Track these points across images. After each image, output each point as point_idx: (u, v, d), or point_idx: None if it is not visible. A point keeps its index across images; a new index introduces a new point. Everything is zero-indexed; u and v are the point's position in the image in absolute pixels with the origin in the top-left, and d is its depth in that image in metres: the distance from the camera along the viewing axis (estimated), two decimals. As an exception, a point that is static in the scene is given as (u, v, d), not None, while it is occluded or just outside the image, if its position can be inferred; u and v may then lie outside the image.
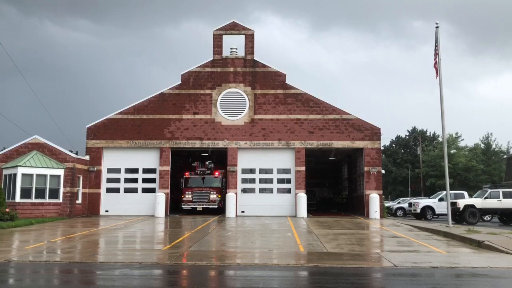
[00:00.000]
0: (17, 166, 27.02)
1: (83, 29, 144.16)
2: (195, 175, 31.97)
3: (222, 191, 31.64)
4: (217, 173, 32.12)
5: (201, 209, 30.91)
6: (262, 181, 31.31)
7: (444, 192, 28.02)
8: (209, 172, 32.12)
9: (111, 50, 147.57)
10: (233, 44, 32.51)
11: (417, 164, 70.57)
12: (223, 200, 30.86)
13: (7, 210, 23.95)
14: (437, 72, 22.77)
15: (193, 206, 31.01)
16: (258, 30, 32.46)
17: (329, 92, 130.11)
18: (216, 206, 30.84)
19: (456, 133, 67.86)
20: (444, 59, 23.40)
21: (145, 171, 31.27)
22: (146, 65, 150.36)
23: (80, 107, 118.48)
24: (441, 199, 32.63)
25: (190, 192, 31.21)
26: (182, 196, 31.32)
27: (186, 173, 32.10)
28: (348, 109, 31.56)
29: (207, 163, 32.24)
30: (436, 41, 22.95)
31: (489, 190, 30.74)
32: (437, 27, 23.01)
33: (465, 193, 33.65)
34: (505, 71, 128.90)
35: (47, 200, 27.74)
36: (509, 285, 10.05)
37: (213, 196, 30.96)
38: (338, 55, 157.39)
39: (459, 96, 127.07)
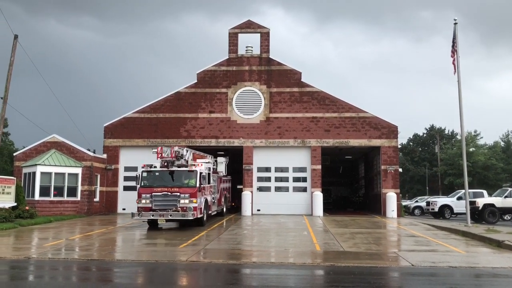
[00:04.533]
0: (36, 164, 27.43)
1: (88, 27, 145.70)
2: (157, 169, 20.77)
3: (205, 194, 21.56)
4: (194, 166, 21.06)
5: (163, 222, 20.45)
6: (277, 179, 31.24)
7: (463, 190, 27.61)
8: (180, 163, 20.99)
9: (119, 47, 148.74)
10: (248, 43, 32.51)
11: (435, 163, 69.74)
12: (207, 208, 21.93)
13: (27, 208, 24.36)
14: (455, 69, 22.44)
15: (152, 217, 19.73)
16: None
17: (338, 88, 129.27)
18: (191, 218, 19.51)
19: (475, 131, 66.88)
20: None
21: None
22: (156, 62, 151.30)
23: (92, 105, 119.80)
24: (459, 198, 32.16)
25: (147, 195, 19.80)
26: (136, 201, 20.12)
27: (144, 165, 21.03)
28: (364, 107, 31.30)
29: (176, 148, 20.94)
30: (454, 38, 22.62)
31: (509, 189, 30.20)
32: (455, 23, 22.69)
33: (485, 192, 33.09)
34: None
35: (65, 198, 28.11)
36: (530, 286, 9.85)
37: (184, 202, 19.55)
38: (344, 49, 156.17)
39: (474, 93, 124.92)
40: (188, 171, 20.62)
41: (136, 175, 20.94)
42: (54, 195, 27.74)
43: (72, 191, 28.43)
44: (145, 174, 20.51)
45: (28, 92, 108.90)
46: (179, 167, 20.76)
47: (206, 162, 23.24)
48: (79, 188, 28.71)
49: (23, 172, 28.29)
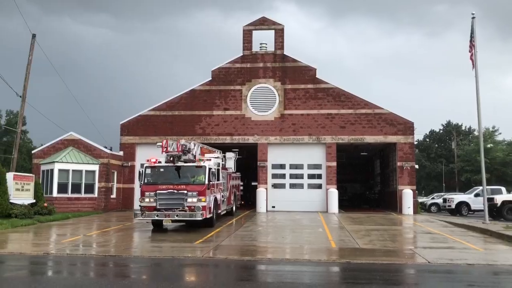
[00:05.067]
0: (54, 162, 27.83)
1: (103, 24, 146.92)
2: (162, 164, 18.98)
3: (214, 191, 19.79)
4: (203, 161, 19.38)
5: (169, 223, 18.99)
6: (292, 176, 31.19)
7: (480, 187, 27.25)
8: (187, 158, 19.14)
9: (134, 45, 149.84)
10: (262, 39, 32.47)
11: (451, 159, 68.95)
12: (216, 207, 20.28)
13: (45, 204, 24.74)
14: (473, 64, 22.14)
15: (156, 218, 18.01)
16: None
17: (352, 84, 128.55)
18: (199, 218, 17.65)
19: (493, 127, 65.95)
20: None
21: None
22: (170, 59, 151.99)
23: (108, 103, 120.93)
24: (477, 195, 31.74)
25: (151, 193, 17.99)
26: (139, 200, 18.51)
27: (148, 160, 19.21)
28: (380, 103, 31.07)
29: (182, 142, 19.00)
30: (472, 32, 22.30)
31: (528, 186, 29.67)
32: (473, 17, 22.36)
33: (503, 189, 32.60)
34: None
35: (82, 195, 28.49)
36: (550, 284, 9.70)
37: (191, 200, 17.77)
38: (358, 44, 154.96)
39: (492, 87, 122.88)
40: (196, 166, 18.72)
41: (139, 172, 19.26)
42: (72, 192, 28.14)
43: (89, 188, 28.81)
44: (148, 171, 18.68)
45: (46, 90, 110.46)
46: (186, 162, 18.83)
47: (216, 157, 21.70)
48: (96, 185, 29.07)
49: (41, 169, 28.74)
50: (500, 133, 66.48)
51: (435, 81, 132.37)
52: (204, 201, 17.88)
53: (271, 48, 32.01)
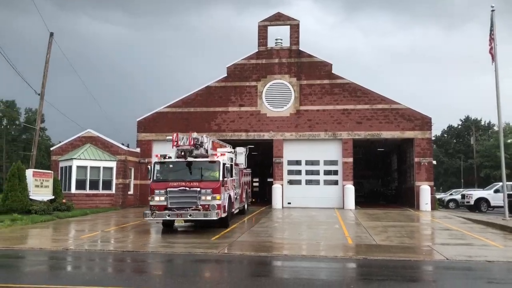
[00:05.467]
0: (72, 158, 28.20)
1: (118, 22, 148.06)
2: (172, 160, 17.64)
3: (228, 189, 18.44)
4: (216, 155, 18.26)
5: (182, 223, 17.81)
6: (308, 172, 31.10)
7: (500, 183, 26.81)
8: (199, 152, 17.80)
9: (149, 42, 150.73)
10: (277, 35, 32.35)
11: (470, 155, 68.00)
12: (230, 205, 18.98)
13: (64, 201, 25.11)
14: (493, 58, 21.77)
15: (168, 218, 16.59)
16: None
17: (368, 79, 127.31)
18: (215, 218, 16.33)
19: (514, 122, 64.70)
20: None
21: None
22: (185, 56, 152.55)
23: (125, 100, 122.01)
24: (496, 191, 31.25)
25: (161, 191, 16.70)
26: (149, 199, 17.15)
27: (157, 156, 18.13)
28: (396, 98, 30.75)
29: (195, 135, 17.66)
30: (492, 26, 21.92)
31: (550, 181, 29.10)
32: (492, 10, 21.97)
33: (524, 185, 32.03)
34: None
35: (100, 191, 28.82)
36: None
37: (205, 199, 16.49)
38: (374, 38, 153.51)
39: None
40: (210, 161, 17.46)
41: (148, 168, 17.93)
42: (90, 189, 28.49)
43: (107, 184, 29.13)
44: (158, 167, 17.39)
45: (64, 88, 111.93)
46: (197, 157, 17.49)
47: (229, 152, 20.56)
48: (114, 181, 29.38)
49: (60, 166, 29.15)
50: (520, 128, 65.27)
51: (453, 75, 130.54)
52: (219, 199, 16.58)
53: (286, 43, 31.90)
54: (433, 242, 15.26)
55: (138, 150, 32.06)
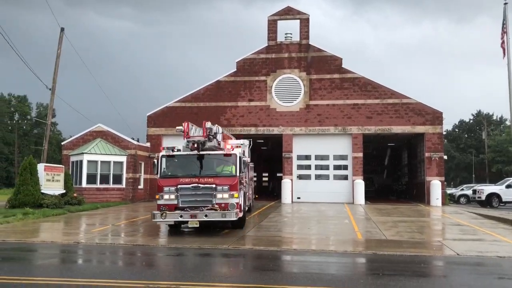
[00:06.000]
0: (82, 153, 28.42)
1: (126, 17, 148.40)
2: (183, 152, 15.65)
3: (243, 185, 16.67)
4: (231, 147, 16.34)
5: (196, 225, 14.66)
6: (318, 167, 31.04)
7: (512, 178, 26.55)
8: (212, 145, 15.54)
9: (158, 37, 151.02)
10: (287, 29, 32.25)
11: (482, 150, 67.39)
12: (246, 204, 18.01)
13: (75, 195, 25.34)
14: (504, 52, 21.52)
15: (181, 219, 14.62)
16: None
17: (377, 74, 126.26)
18: (234, 218, 14.56)
19: (526, 116, 63.94)
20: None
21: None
22: (194, 50, 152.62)
23: (135, 95, 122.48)
24: (508, 186, 30.99)
25: (171, 189, 14.79)
26: (156, 197, 15.12)
27: (163, 148, 16.15)
28: (407, 93, 30.53)
29: (209, 125, 15.28)
30: (504, 19, 21.66)
31: None
32: (505, 3, 21.71)
33: (536, 180, 31.72)
34: None
35: (111, 185, 29.05)
36: None
37: (222, 197, 14.71)
38: (383, 32, 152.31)
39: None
40: (225, 154, 15.59)
41: (153, 162, 15.76)
42: (100, 183, 28.71)
43: (117, 179, 29.34)
44: (165, 160, 15.43)
45: (75, 83, 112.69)
46: (210, 150, 15.52)
47: (241, 144, 19.10)
48: (124, 175, 29.58)
49: (71, 161, 29.39)
50: (533, 123, 64.51)
51: (464, 69, 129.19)
52: (237, 197, 14.81)
53: (296, 38, 31.77)
54: (443, 238, 15.17)
55: (148, 144, 32.23)
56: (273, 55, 31.61)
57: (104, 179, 28.92)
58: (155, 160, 15.67)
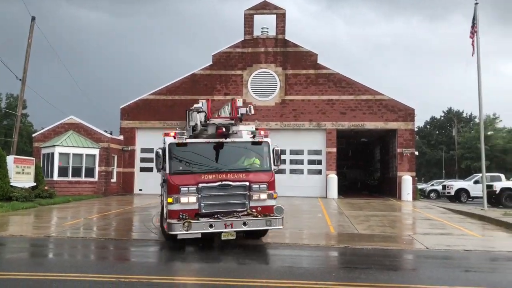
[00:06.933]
0: (54, 145, 27.87)
1: (100, 8, 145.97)
2: (203, 140, 11.73)
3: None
4: (259, 133, 12.50)
5: (232, 237, 11.06)
6: (292, 162, 31.24)
7: (480, 174, 27.30)
8: (237, 130, 12.10)
9: (133, 28, 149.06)
10: (263, 23, 32.24)
11: (452, 146, 69.01)
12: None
13: (46, 188, 24.86)
14: (474, 51, 22.01)
15: (212, 230, 10.76)
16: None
17: (351, 69, 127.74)
18: (281, 226, 11.43)
19: (494, 114, 65.81)
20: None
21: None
22: (169, 43, 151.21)
23: (108, 87, 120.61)
24: (476, 182, 31.85)
25: (191, 188, 11.03)
26: (169, 200, 10.93)
27: (170, 134, 11.82)
28: (380, 89, 30.98)
29: (239, 103, 12.28)
30: (474, 19, 22.14)
31: (528, 173, 29.77)
32: (476, 3, 22.19)
33: (502, 176, 32.69)
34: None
35: (83, 178, 28.60)
36: (546, 270, 9.79)
37: (259, 198, 11.50)
38: (357, 28, 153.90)
39: (493, 74, 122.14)
40: (254, 143, 12.15)
41: (157, 153, 11.58)
42: (72, 176, 28.24)
43: (89, 172, 28.91)
44: (177, 151, 11.41)
45: (47, 74, 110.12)
46: (235, 136, 11.88)
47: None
48: (97, 168, 29.17)
49: (42, 153, 28.80)
50: (500, 120, 66.37)
51: (436, 66, 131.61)
52: (276, 198, 11.81)
53: (272, 32, 31.81)
54: (414, 232, 15.51)
55: (121, 137, 31.82)
56: (250, 49, 31.58)
57: (76, 172, 28.44)
58: (159, 150, 11.55)
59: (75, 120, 30.17)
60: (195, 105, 11.75)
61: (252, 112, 12.39)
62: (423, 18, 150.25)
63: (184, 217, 10.64)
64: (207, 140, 11.63)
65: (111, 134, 31.51)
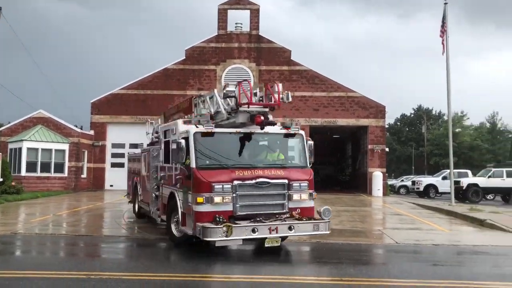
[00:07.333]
0: (22, 140, 27.16)
1: (73, 0, 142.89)
2: (230, 129, 10.10)
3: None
4: (294, 124, 11.38)
5: (277, 244, 9.62)
6: (266, 157, 31.24)
7: (448, 170, 28.01)
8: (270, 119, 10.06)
9: (105, 21, 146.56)
10: (238, 19, 32.19)
11: (421, 143, 70.49)
12: None
13: (13, 183, 24.20)
14: (444, 50, 22.51)
15: (253, 234, 9.03)
16: None
17: (325, 66, 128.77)
18: (328, 231, 10.00)
19: (462, 112, 67.69)
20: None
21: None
22: (143, 37, 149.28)
23: (79, 81, 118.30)
24: (444, 178, 32.65)
25: (226, 186, 9.41)
26: (194, 200, 9.34)
27: (191, 122, 10.56)
28: (352, 86, 31.40)
29: (281, 86, 10.25)
30: (444, 18, 22.62)
31: (493, 169, 30.73)
32: (445, 3, 22.67)
33: (469, 172, 33.64)
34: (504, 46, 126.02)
35: (52, 174, 27.99)
36: (509, 263, 10.13)
37: (300, 198, 10.11)
38: (331, 25, 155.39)
39: (461, 72, 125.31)
40: (288, 135, 10.85)
41: (178, 143, 9.72)
42: (41, 171, 27.60)
43: (59, 167, 28.31)
44: (202, 140, 9.75)
45: (15, 67, 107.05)
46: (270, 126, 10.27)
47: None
48: (66, 164, 28.60)
49: (9, 148, 28.02)
50: (468, 118, 68.35)
51: (407, 64, 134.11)
52: (315, 198, 10.65)
53: (246, 28, 31.76)
54: (384, 227, 15.79)
55: (91, 132, 31.26)
56: (223, 44, 31.46)
57: (45, 167, 27.81)
58: (181, 140, 9.71)
59: (44, 114, 29.46)
60: (227, 89, 10.05)
61: (290, 99, 10.46)
62: (395, 16, 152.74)
63: (221, 220, 9.01)
64: (239, 130, 10.03)
65: (81, 129, 30.95)
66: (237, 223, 9.04)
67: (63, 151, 28.58)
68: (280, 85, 10.29)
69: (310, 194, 10.32)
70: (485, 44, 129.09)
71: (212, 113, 10.36)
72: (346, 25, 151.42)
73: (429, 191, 33.48)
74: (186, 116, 11.78)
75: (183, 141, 9.67)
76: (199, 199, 9.23)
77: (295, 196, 9.96)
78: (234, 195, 9.41)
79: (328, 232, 9.96)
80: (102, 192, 29.10)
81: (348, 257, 10.07)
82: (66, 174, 28.52)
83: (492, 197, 31.72)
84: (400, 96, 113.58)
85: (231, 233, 8.78)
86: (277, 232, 9.24)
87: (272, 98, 10.10)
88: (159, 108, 31.12)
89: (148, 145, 15.59)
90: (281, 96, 10.07)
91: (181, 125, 10.55)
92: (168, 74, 31.51)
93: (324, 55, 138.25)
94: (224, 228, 8.75)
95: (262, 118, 9.70)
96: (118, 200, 22.60)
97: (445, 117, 69.46)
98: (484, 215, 16.99)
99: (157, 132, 14.43)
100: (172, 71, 31.55)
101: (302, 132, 11.16)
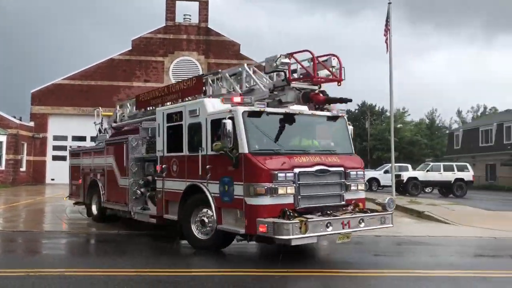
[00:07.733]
0: (-46, 131, 25.60)
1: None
2: (283, 110, 8.87)
3: None
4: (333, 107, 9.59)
5: (348, 240, 8.80)
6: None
7: (389, 164, 29.02)
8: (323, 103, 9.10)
9: (47, 9, 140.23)
10: (187, 11, 31.81)
11: (365, 138, 72.67)
12: None
13: None
14: (387, 48, 23.23)
15: (328, 230, 7.87)
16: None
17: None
18: (392, 225, 9.21)
19: (403, 108, 70.35)
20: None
21: (93, 139, 30.32)
22: (87, 26, 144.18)
23: (19, 70, 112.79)
24: (386, 172, 33.79)
25: (288, 175, 8.05)
26: (256, 190, 7.82)
27: (235, 99, 8.53)
28: (301, 82, 31.82)
29: (334, 59, 9.57)
30: (388, 18, 23.33)
31: (431, 164, 32.23)
32: (389, 3, 23.40)
33: (409, 166, 34.99)
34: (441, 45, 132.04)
35: (-12, 167, 26.61)
36: (444, 252, 10.70)
37: (357, 189, 9.16)
38: (277, 19, 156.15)
39: (403, 69, 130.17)
40: (331, 117, 9.54)
41: (223, 124, 8.05)
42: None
43: (-5, 160, 26.96)
44: (250, 122, 8.38)
45: None
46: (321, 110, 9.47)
47: None
48: (4, 157, 27.30)
49: None
50: (409, 115, 71.17)
51: (352, 61, 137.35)
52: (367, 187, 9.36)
53: (195, 20, 31.43)
54: (328, 219, 16.17)
55: (31, 124, 29.92)
56: (171, 35, 30.98)
57: (-20, 160, 26.39)
58: (228, 120, 8.11)
59: (-21, 104, 27.89)
60: (281, 60, 8.72)
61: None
62: (340, 13, 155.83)
63: (291, 214, 7.70)
64: (289, 111, 8.83)
65: (20, 120, 29.52)
66: (308, 218, 7.73)
67: (0, 143, 27.21)
68: (335, 59, 9.35)
69: (365, 185, 9.59)
70: (424, 43, 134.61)
71: (241, 92, 9.37)
72: (293, 21, 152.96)
73: (372, 184, 34.55)
74: (187, 98, 10.74)
75: (229, 122, 8.05)
76: (259, 190, 7.80)
77: (353, 186, 8.99)
78: (296, 184, 8.13)
79: (392, 225, 9.14)
80: (43, 186, 27.97)
81: (293, 250, 10.26)
82: (3, 167, 27.20)
83: (430, 190, 33.26)
84: (347, 92, 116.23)
85: (305, 230, 7.52)
86: (349, 227, 8.21)
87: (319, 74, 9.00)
88: (104, 99, 30.25)
89: (112, 135, 14.08)
90: (334, 71, 9.08)
91: (215, 104, 8.99)
92: (114, 65, 30.65)
93: (273, 50, 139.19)
94: (304, 224, 7.48)
95: (321, 96, 8.74)
96: (60, 195, 21.78)
97: (388, 113, 72.05)
98: (423, 207, 17.82)
99: (115, 122, 14.17)
100: (118, 62, 30.71)
101: (345, 115, 9.95)
